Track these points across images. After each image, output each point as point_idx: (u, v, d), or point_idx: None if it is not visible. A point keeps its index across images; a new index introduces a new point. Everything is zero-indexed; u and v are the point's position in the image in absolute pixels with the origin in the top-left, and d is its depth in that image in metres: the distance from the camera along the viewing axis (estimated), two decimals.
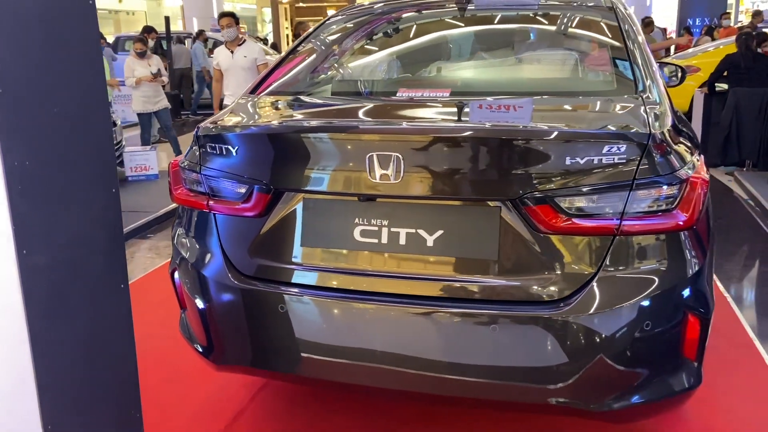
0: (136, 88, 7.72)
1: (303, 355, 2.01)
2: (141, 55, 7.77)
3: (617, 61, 2.30)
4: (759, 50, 7.37)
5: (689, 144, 2.01)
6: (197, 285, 2.13)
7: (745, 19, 23.92)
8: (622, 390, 1.87)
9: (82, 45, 1.64)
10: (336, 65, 2.70)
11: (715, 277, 4.13)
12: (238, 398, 2.73)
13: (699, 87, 8.46)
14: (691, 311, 1.87)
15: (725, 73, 7.53)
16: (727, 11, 14.28)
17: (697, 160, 1.95)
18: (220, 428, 2.54)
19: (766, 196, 6.13)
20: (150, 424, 2.54)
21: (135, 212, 5.73)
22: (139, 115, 8.00)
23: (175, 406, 2.70)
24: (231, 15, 6.59)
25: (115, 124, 7.34)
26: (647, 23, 12.69)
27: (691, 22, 17.42)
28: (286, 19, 27.35)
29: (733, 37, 7.72)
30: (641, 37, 2.43)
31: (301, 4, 28.51)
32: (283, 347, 2.03)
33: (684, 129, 2.13)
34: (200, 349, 2.22)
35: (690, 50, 12.31)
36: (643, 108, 1.95)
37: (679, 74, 4.31)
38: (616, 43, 2.37)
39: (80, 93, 1.64)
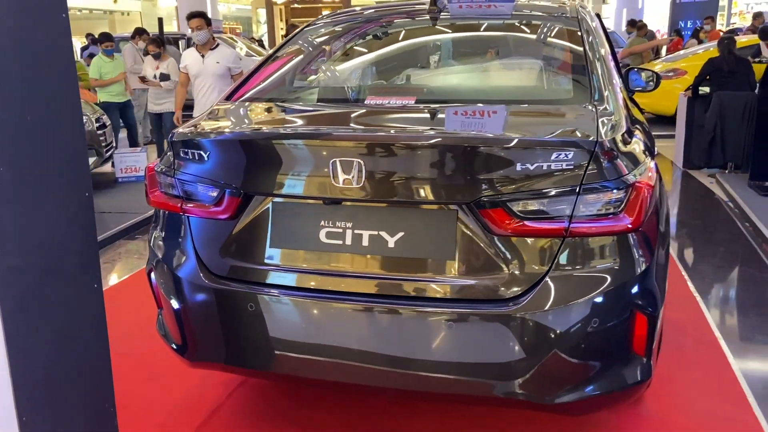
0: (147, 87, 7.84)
1: (272, 352, 2.11)
2: (156, 56, 7.81)
3: (576, 71, 2.40)
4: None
5: (640, 150, 2.11)
6: (171, 285, 2.22)
7: (739, 21, 24.11)
8: (573, 383, 1.97)
9: (55, 55, 1.72)
10: (309, 73, 2.80)
11: (686, 276, 4.26)
12: (215, 395, 2.81)
13: (684, 91, 8.59)
14: (638, 309, 1.97)
15: (708, 77, 7.65)
16: (710, 15, 14.42)
17: (647, 166, 2.05)
18: (196, 424, 2.63)
19: (745, 198, 6.25)
20: (128, 421, 2.65)
21: (123, 213, 5.82)
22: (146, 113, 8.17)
23: (153, 404, 2.79)
24: (201, 15, 6.04)
25: (105, 126, 7.43)
26: (640, 26, 12.84)
27: (682, 25, 17.61)
28: (281, 20, 27.46)
29: None
30: (604, 49, 2.53)
31: (296, 5, 28.64)
32: (252, 345, 2.13)
33: (638, 137, 2.23)
34: (175, 347, 2.31)
35: (678, 53, 12.47)
36: (595, 116, 2.05)
37: (655, 79, 4.42)
38: (578, 54, 2.47)
39: (53, 101, 1.72)
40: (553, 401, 1.97)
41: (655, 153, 2.93)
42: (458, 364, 1.97)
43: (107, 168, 7.79)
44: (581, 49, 2.48)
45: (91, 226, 1.86)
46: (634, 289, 1.96)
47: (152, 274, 2.34)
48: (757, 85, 6.91)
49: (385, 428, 2.56)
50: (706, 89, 7.74)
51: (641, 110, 4.16)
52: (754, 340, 3.39)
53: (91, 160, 7.10)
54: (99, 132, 7.20)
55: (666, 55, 13.44)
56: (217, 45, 6.12)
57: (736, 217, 5.89)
